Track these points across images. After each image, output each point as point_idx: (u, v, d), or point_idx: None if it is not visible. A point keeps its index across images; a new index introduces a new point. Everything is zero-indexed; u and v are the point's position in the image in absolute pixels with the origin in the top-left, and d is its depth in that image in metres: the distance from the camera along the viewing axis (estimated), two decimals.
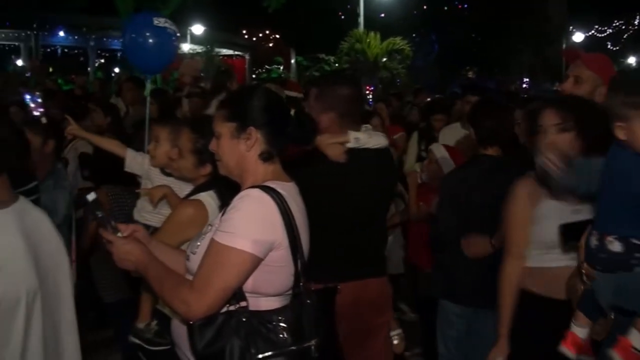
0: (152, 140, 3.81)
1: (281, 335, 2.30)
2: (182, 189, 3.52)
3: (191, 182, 3.37)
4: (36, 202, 3.89)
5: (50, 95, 8.38)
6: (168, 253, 2.59)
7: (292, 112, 2.48)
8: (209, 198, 3.11)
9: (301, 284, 2.40)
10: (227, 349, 2.24)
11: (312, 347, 2.36)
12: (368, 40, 26.68)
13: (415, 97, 11.84)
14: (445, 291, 3.92)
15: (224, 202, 2.77)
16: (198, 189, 3.21)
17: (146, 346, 3.40)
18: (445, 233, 3.88)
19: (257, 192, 2.30)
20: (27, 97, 7.21)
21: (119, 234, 2.39)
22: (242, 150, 2.40)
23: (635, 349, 2.44)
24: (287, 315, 2.34)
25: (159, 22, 6.04)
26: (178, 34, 6.44)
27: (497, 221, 3.45)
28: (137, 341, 3.44)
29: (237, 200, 2.31)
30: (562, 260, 3.04)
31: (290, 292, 2.40)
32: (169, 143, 3.57)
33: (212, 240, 2.28)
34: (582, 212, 2.89)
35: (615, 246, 2.50)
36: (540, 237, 3.09)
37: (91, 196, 2.38)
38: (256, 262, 2.26)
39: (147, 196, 3.82)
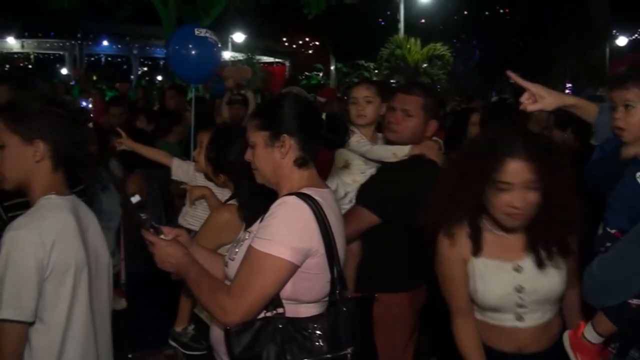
0: (197, 145, 3.88)
1: (317, 343, 2.31)
2: (224, 195, 3.58)
3: (228, 188, 3.42)
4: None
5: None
6: (208, 257, 2.63)
7: (324, 115, 2.50)
8: None
9: (337, 291, 2.40)
10: (264, 355, 2.26)
11: (348, 356, 2.37)
12: (408, 46, 26.52)
13: (469, 103, 11.75)
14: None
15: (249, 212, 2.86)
16: (233, 196, 3.24)
17: (182, 350, 3.45)
18: None
19: (293, 200, 2.31)
20: (83, 103, 7.46)
21: (162, 236, 2.43)
22: (276, 158, 2.41)
23: (585, 337, 2.54)
24: (323, 322, 2.35)
25: (200, 32, 6.19)
26: (219, 44, 6.57)
27: None
28: (174, 344, 3.49)
29: (274, 208, 2.32)
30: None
31: (326, 299, 2.40)
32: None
33: (250, 247, 2.30)
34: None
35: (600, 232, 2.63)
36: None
37: (135, 198, 2.45)
38: (293, 269, 2.27)
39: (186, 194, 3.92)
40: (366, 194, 3.41)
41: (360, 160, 3.72)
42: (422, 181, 3.34)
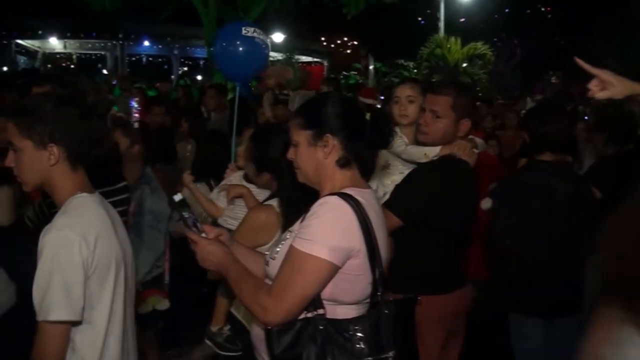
0: (242, 142, 3.89)
1: (358, 345, 2.29)
2: (263, 197, 3.59)
3: (267, 188, 3.41)
4: (125, 202, 4.07)
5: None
6: (249, 256, 2.63)
7: (368, 116, 2.47)
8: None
9: (379, 292, 2.37)
10: (304, 356, 2.25)
11: (390, 359, 2.34)
12: (448, 45, 26.34)
13: (516, 103, 11.63)
14: (513, 304, 3.82)
15: (291, 210, 2.87)
16: (274, 195, 3.26)
17: (217, 350, 3.45)
18: (502, 240, 3.79)
19: (335, 200, 2.29)
20: (132, 102, 7.56)
21: (203, 235, 2.43)
22: (319, 157, 2.40)
23: None
24: (365, 325, 2.33)
25: (248, 31, 6.21)
26: (267, 43, 6.59)
27: (555, 227, 3.39)
28: (209, 343, 3.49)
29: (316, 207, 2.31)
30: None
31: (368, 301, 2.38)
32: None
33: (291, 247, 2.29)
34: None
35: None
36: None
37: (178, 197, 2.46)
38: (334, 269, 2.25)
39: (224, 191, 3.93)
40: (392, 196, 3.39)
41: (399, 161, 3.68)
42: (452, 181, 3.31)
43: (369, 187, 2.51)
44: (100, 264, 2.20)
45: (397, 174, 3.65)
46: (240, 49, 6.23)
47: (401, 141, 3.65)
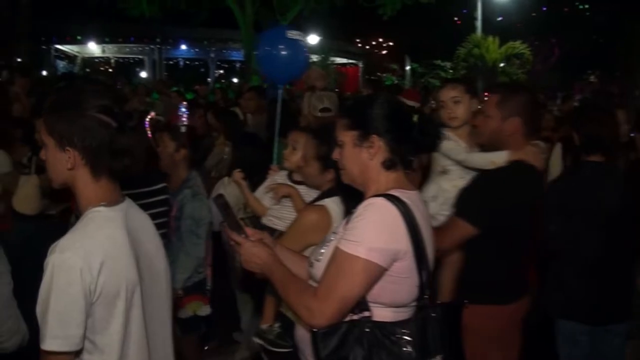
0: (289, 145, 3.87)
1: (405, 349, 2.25)
2: (311, 196, 3.58)
3: (317, 189, 3.39)
4: (164, 203, 4.10)
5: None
6: (292, 258, 2.61)
7: (415, 118, 2.43)
8: (333, 204, 3.13)
9: (426, 296, 2.33)
10: (351, 358, 2.22)
11: None
12: (486, 44, 26.13)
13: (563, 103, 11.45)
14: (562, 309, 3.74)
15: (349, 209, 2.75)
16: (323, 195, 3.24)
17: (268, 347, 3.44)
18: (551, 243, 3.71)
19: (381, 201, 2.26)
20: (182, 107, 7.68)
21: (245, 237, 2.42)
22: (364, 158, 2.37)
23: None
24: (411, 328, 2.29)
25: (292, 34, 6.31)
26: (306, 45, 6.70)
27: (605, 230, 3.35)
28: (260, 341, 3.49)
29: (361, 209, 2.27)
30: None
31: (414, 304, 2.33)
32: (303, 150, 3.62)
33: (337, 249, 2.26)
34: None
35: None
36: None
37: (221, 199, 2.43)
38: (380, 271, 2.21)
39: (272, 191, 3.92)
40: (462, 204, 3.28)
41: (459, 165, 3.60)
42: (523, 188, 3.23)
43: (415, 189, 2.45)
44: (105, 291, 2.05)
45: (458, 178, 3.56)
46: (284, 52, 6.27)
47: (458, 146, 3.57)
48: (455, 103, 3.62)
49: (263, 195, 4.24)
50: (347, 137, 2.40)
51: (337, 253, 2.24)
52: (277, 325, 3.46)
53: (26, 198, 5.12)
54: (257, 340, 3.52)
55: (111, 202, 2.18)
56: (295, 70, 6.53)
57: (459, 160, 3.55)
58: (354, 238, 2.21)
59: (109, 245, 2.10)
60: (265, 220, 4.03)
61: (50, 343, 1.96)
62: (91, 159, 2.12)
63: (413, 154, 2.45)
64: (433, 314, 2.35)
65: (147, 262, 2.26)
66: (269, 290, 3.44)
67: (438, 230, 3.26)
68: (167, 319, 2.39)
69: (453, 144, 3.55)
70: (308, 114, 6.18)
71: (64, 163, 2.11)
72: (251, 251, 2.37)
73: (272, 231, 3.70)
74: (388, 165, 2.37)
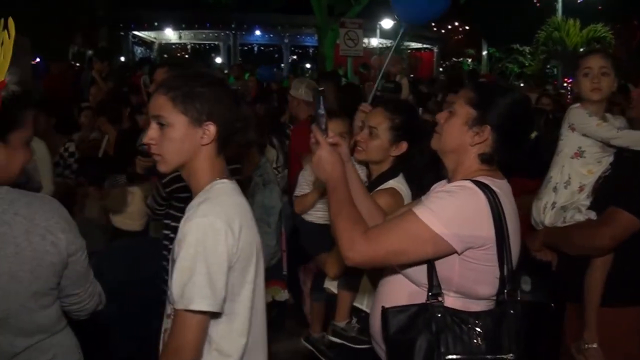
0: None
1: (475, 341, 2.17)
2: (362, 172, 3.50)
3: (378, 164, 3.28)
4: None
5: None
6: (359, 187, 2.58)
7: (534, 135, 2.29)
8: (399, 184, 3.12)
9: (506, 290, 2.21)
10: (418, 342, 2.17)
11: None
12: (567, 27, 25.32)
13: None
14: None
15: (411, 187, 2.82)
16: (383, 177, 3.17)
17: (350, 344, 3.37)
18: None
19: (473, 187, 2.17)
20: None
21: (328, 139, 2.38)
22: (467, 140, 2.27)
23: None
24: (486, 321, 2.20)
25: None
26: None
27: None
28: (338, 340, 3.40)
29: (452, 186, 2.20)
30: None
31: (494, 297, 2.23)
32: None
33: (410, 211, 2.19)
34: None
35: None
36: None
37: (320, 91, 2.37)
38: (443, 249, 2.13)
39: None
40: (623, 193, 3.02)
41: (597, 146, 3.27)
42: None
43: (504, 178, 2.33)
44: (243, 254, 2.07)
45: (595, 162, 3.27)
46: None
47: (608, 125, 3.24)
48: (603, 75, 3.27)
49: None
50: (462, 110, 2.30)
51: (409, 214, 2.19)
52: (354, 321, 3.38)
53: (134, 214, 4.53)
54: (334, 339, 3.43)
55: (228, 178, 2.20)
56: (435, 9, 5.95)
57: (606, 137, 3.22)
58: (431, 206, 2.14)
59: (242, 211, 2.14)
60: None
61: (199, 302, 1.95)
62: (223, 132, 2.13)
63: (512, 167, 2.34)
64: (512, 311, 2.22)
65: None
66: (341, 286, 3.35)
67: (588, 226, 3.08)
68: (264, 293, 2.35)
69: (595, 119, 3.23)
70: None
71: (197, 139, 2.10)
72: (326, 157, 2.33)
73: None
74: (485, 159, 2.27)
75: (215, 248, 1.99)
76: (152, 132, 2.13)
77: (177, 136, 2.10)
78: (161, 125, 2.11)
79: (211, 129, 2.11)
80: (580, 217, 3.15)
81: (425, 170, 2.99)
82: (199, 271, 1.96)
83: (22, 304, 2.10)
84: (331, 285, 3.50)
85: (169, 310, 2.14)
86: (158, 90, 2.14)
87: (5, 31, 2.03)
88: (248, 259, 2.11)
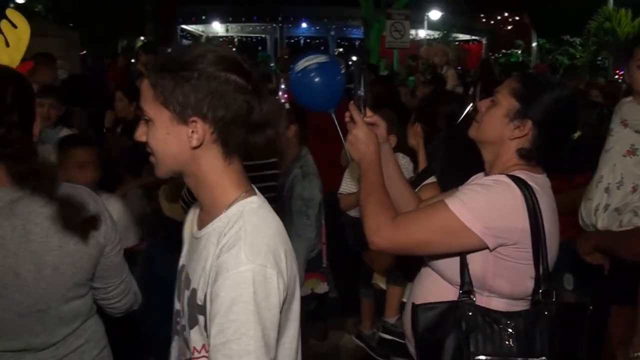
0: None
1: (506, 342, 2.12)
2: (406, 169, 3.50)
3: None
4: (272, 178, 4.03)
5: None
6: (393, 168, 2.51)
7: (577, 136, 2.24)
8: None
9: (541, 291, 2.14)
10: (447, 340, 2.13)
11: None
12: (618, 17, 24.64)
13: None
14: None
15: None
16: (422, 176, 3.15)
17: (401, 341, 3.35)
18: None
19: (510, 182, 2.10)
20: (281, 85, 7.75)
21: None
22: (506, 133, 2.20)
23: None
24: (518, 321, 2.14)
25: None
26: None
27: None
28: (388, 337, 3.38)
29: (488, 180, 2.14)
30: None
31: (529, 297, 2.17)
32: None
33: (441, 201, 2.14)
34: None
35: None
36: None
37: (361, 69, 2.36)
38: (471, 242, 2.07)
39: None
40: None
41: None
42: None
43: (543, 172, 2.25)
44: (289, 291, 1.66)
45: None
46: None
47: None
48: None
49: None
50: (505, 100, 2.21)
51: (439, 204, 2.13)
52: None
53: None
54: (385, 335, 3.41)
55: (249, 188, 1.73)
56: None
57: None
58: (463, 198, 2.08)
59: (282, 237, 1.71)
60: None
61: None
62: (224, 132, 1.62)
63: (550, 165, 2.26)
64: (546, 312, 2.15)
65: None
66: (391, 281, 3.32)
67: None
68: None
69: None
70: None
71: (185, 140, 1.60)
72: (361, 137, 2.28)
73: None
74: (523, 154, 2.19)
75: (268, 301, 1.57)
76: (139, 129, 1.68)
77: (160, 135, 1.63)
78: (145, 120, 1.66)
79: (199, 127, 1.59)
80: (638, 221, 2.98)
81: None
82: (254, 335, 1.54)
83: (62, 294, 2.07)
84: (380, 281, 3.47)
85: (193, 340, 1.70)
86: (145, 76, 1.68)
87: (6, 21, 2.00)
88: (292, 294, 1.70)
